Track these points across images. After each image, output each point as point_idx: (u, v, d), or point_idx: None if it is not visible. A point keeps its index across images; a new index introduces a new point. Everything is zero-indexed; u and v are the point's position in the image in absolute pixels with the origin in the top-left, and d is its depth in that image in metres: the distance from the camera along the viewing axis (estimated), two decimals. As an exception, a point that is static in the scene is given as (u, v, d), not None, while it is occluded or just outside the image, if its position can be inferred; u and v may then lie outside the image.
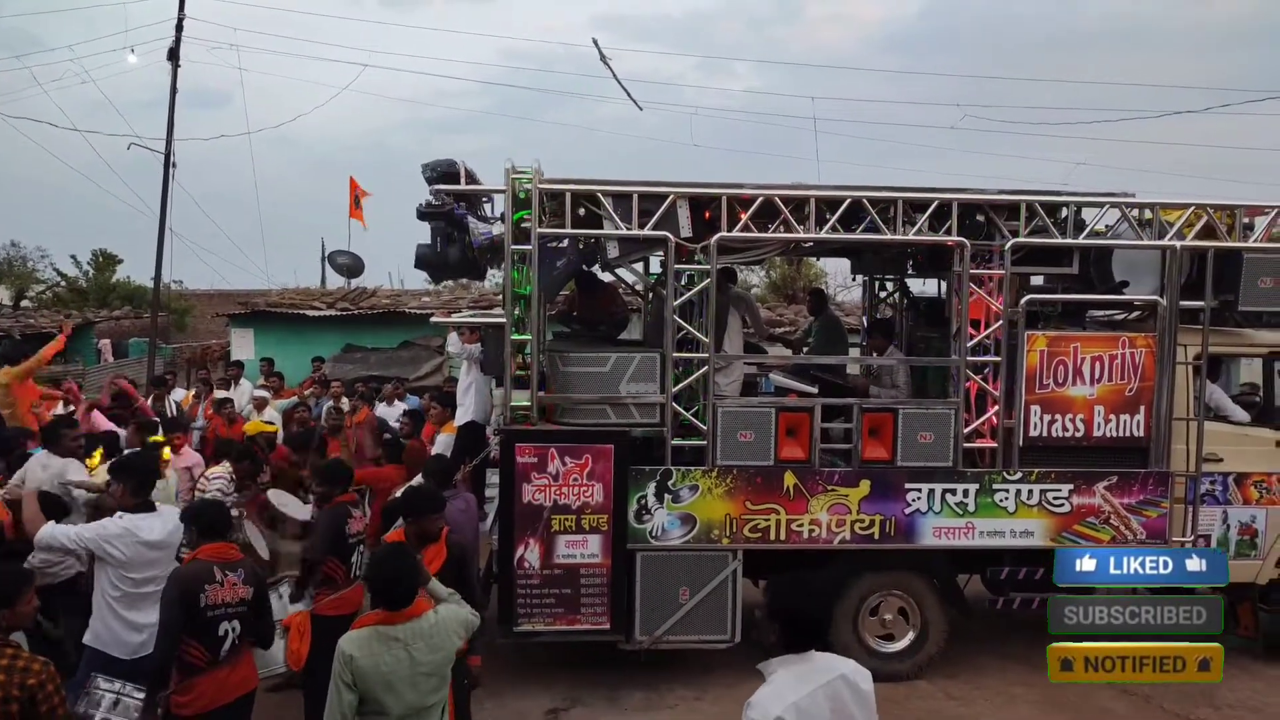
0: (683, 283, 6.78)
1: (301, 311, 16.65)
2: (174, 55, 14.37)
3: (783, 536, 6.55)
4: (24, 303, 35.03)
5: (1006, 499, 6.68)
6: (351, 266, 19.79)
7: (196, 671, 4.10)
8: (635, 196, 6.47)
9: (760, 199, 6.55)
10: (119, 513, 4.69)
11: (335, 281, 24.30)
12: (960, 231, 6.65)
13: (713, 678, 6.74)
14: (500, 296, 17.87)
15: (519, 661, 6.79)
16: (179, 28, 14.39)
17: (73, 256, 36.07)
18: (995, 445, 6.71)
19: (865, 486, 6.59)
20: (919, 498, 6.62)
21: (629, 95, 14.74)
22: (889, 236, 6.67)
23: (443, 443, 7.47)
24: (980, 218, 6.81)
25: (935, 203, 6.62)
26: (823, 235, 6.63)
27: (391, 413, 11.55)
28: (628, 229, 6.47)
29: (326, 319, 16.65)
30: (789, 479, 6.53)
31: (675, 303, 6.50)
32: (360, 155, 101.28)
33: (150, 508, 4.79)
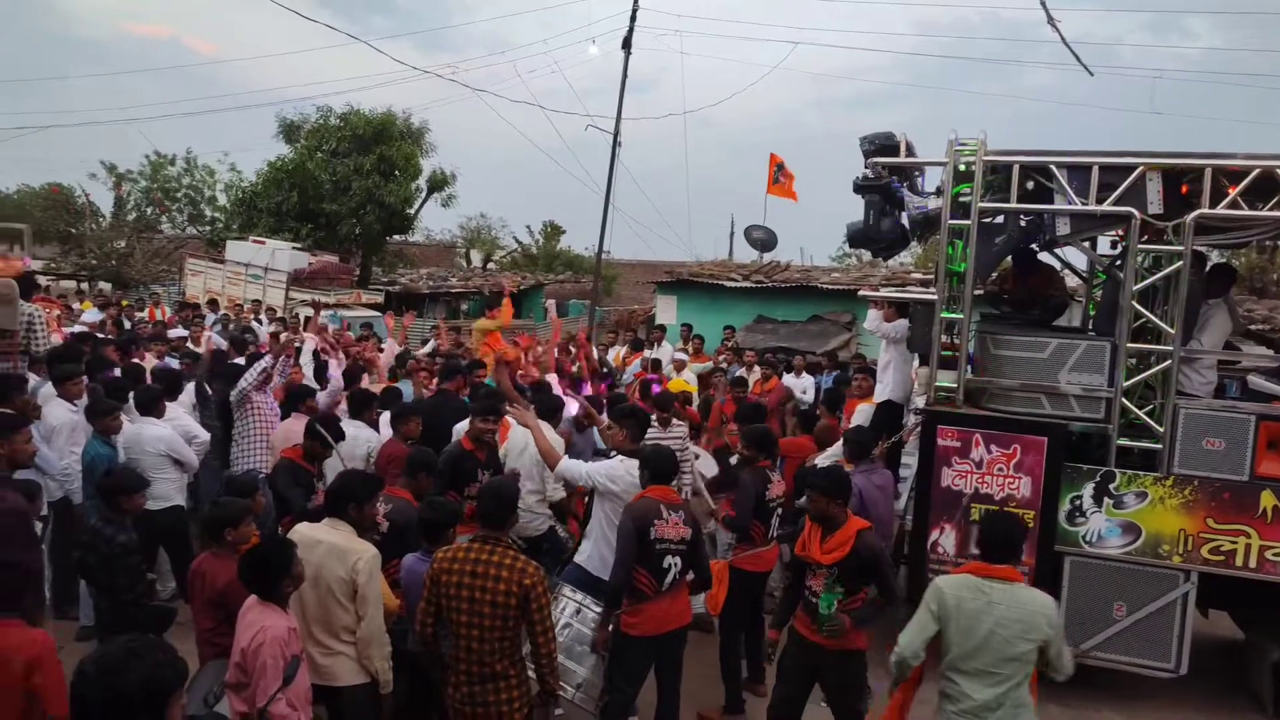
0: (1145, 264, 6.08)
1: (720, 282, 17.59)
2: (627, 44, 15.88)
3: (1252, 564, 5.64)
4: (489, 265, 41.33)
5: None
6: (765, 241, 20.49)
7: (644, 598, 4.56)
8: (1095, 169, 5.89)
9: (1256, 171, 5.61)
10: (617, 455, 5.35)
11: (741, 254, 25.41)
12: None
13: (1145, 706, 6.04)
14: (912, 273, 17.42)
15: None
16: (633, 18, 15.86)
17: (528, 226, 41.66)
18: None
19: (1375, 521, 5.43)
20: None
21: (1078, 59, 13.40)
22: None
23: (863, 412, 7.48)
24: None
25: None
26: (1341, 215, 5.52)
27: (798, 384, 11.87)
28: (1082, 204, 5.92)
29: (741, 290, 17.43)
30: (1268, 499, 5.59)
31: (1135, 287, 5.84)
32: (770, 135, 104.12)
33: None
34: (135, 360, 8.55)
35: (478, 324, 11.68)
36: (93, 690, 1.94)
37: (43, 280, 18.79)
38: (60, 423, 6.16)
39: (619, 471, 5.21)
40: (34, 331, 7.61)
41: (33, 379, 7.23)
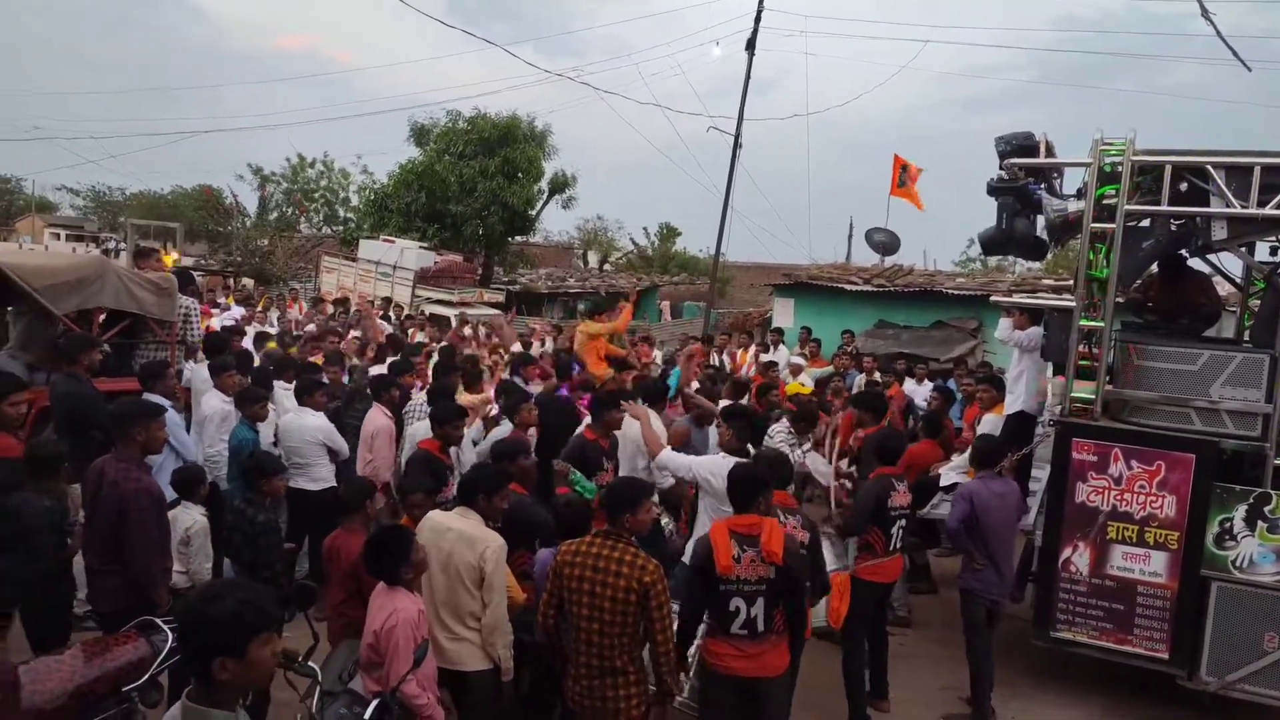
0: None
1: (839, 285, 17.24)
2: (751, 45, 15.78)
3: None
4: (605, 266, 41.85)
5: None
6: (887, 244, 19.98)
7: (715, 634, 4.21)
8: (1257, 169, 5.52)
9: None
10: (721, 452, 5.33)
11: (859, 257, 24.89)
12: None
13: (1300, 748, 5.62)
14: (1043, 279, 16.67)
15: (1051, 668, 6.36)
16: (758, 19, 15.74)
17: (644, 228, 41.98)
18: None
19: None
20: None
21: (1234, 54, 12.47)
22: None
23: (989, 423, 7.21)
24: None
25: None
26: None
27: (920, 391, 11.52)
28: (1242, 207, 5.55)
29: (861, 294, 17.04)
30: None
31: (1299, 297, 5.44)
32: (892, 135, 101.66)
33: (745, 454, 5.32)
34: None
35: (587, 327, 11.29)
36: (187, 612, 2.16)
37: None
38: (213, 411, 6.57)
39: (722, 469, 5.08)
40: (189, 323, 8.17)
41: (187, 366, 7.74)
